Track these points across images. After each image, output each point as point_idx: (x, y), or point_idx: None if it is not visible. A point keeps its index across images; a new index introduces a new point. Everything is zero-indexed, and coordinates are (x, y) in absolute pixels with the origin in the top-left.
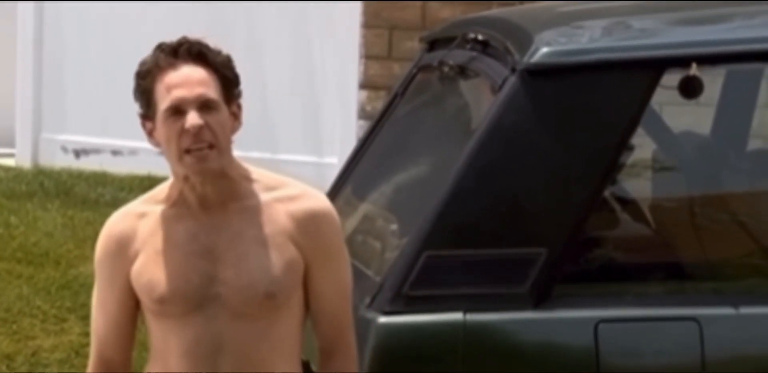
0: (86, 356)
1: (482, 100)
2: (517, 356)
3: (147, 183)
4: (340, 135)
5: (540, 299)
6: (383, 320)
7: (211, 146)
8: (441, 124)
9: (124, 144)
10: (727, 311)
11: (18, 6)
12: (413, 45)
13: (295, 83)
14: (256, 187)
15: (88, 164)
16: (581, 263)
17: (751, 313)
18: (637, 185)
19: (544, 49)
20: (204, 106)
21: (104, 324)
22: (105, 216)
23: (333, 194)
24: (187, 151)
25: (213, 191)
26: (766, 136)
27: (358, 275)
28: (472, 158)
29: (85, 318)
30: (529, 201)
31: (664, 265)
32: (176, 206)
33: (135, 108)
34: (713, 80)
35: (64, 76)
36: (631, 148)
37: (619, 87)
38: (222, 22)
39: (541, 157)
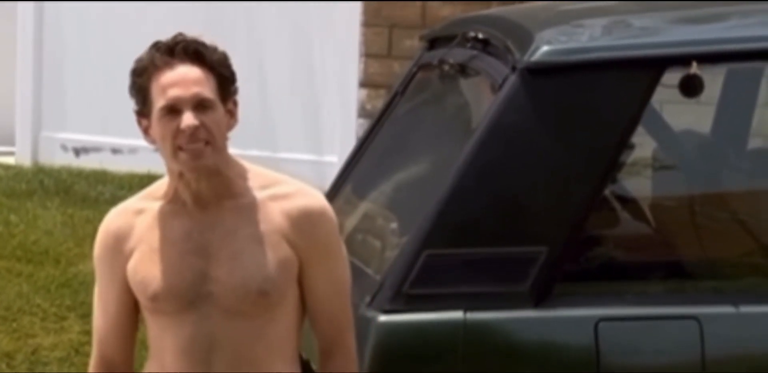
0: (86, 355)
1: (482, 99)
2: (518, 355)
3: (147, 181)
4: (340, 133)
5: (540, 298)
6: (383, 318)
7: (206, 143)
8: (441, 123)
9: (124, 142)
10: (727, 309)
11: (18, 6)
12: (413, 43)
13: (295, 82)
14: (252, 184)
15: (88, 163)
16: (581, 262)
17: (751, 312)
18: (638, 184)
19: (545, 48)
20: (199, 105)
21: (105, 324)
22: (105, 214)
23: (333, 192)
24: (182, 147)
25: (207, 188)
26: (766, 135)
27: (358, 274)
28: (473, 157)
29: (85, 316)
30: (530, 200)
31: (664, 264)
32: (172, 202)
33: (133, 106)
34: (714, 79)
35: (63, 75)
36: (631, 147)
37: (619, 86)
38: (222, 22)
39: (542, 156)
